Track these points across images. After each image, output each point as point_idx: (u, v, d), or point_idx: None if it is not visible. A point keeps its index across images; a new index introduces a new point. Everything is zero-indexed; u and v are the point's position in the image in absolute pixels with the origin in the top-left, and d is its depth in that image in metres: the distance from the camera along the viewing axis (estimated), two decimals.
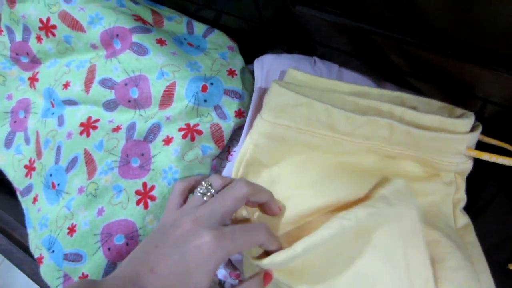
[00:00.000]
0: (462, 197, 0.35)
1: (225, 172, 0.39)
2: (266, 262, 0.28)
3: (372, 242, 0.30)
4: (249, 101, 0.40)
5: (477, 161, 0.34)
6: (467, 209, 0.35)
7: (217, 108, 0.39)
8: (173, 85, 0.38)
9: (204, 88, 0.38)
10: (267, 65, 0.39)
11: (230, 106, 0.39)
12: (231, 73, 0.41)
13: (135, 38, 0.39)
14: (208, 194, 0.29)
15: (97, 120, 0.41)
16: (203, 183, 0.30)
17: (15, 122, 0.47)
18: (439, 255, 0.32)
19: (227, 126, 0.39)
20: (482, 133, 0.35)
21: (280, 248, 0.29)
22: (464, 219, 0.35)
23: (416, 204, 0.31)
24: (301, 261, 0.29)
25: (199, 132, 0.38)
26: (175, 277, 0.24)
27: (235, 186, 0.29)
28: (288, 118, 0.33)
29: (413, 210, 0.31)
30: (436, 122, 0.32)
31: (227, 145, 0.41)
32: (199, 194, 0.29)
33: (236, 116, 0.39)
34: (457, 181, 0.35)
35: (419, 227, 0.31)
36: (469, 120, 0.32)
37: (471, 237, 0.35)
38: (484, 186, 0.39)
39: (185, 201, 0.31)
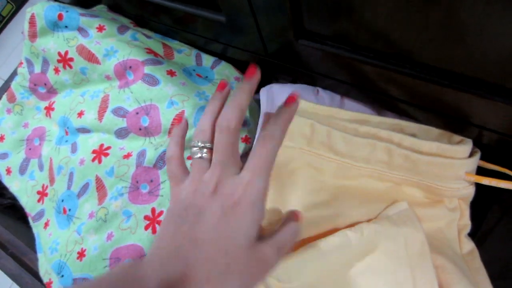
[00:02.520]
0: (466, 223, 0.36)
1: None
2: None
3: (379, 263, 0.31)
4: (255, 128, 0.41)
5: (480, 187, 0.34)
6: (472, 234, 0.36)
7: None
8: (182, 113, 0.40)
9: None
10: (272, 94, 0.40)
11: None
12: None
13: (147, 69, 0.41)
14: (206, 150, 0.27)
15: (108, 147, 0.42)
16: (194, 143, 0.28)
17: (30, 149, 0.49)
18: (445, 281, 0.32)
19: None
20: (483, 159, 0.36)
21: None
22: (469, 245, 0.35)
23: (421, 227, 0.32)
24: (307, 274, 0.30)
25: None
26: (220, 240, 0.24)
27: (225, 115, 0.27)
28: (290, 139, 0.34)
29: (420, 232, 0.32)
30: (434, 148, 0.33)
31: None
32: (197, 156, 0.27)
33: (243, 141, 0.41)
34: (461, 207, 0.36)
35: (427, 250, 0.32)
36: (467, 146, 0.33)
37: (477, 263, 0.35)
38: (488, 211, 0.39)
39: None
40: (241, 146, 0.41)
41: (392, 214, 0.32)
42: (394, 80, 0.33)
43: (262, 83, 0.45)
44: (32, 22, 0.45)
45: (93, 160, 0.42)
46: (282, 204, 0.36)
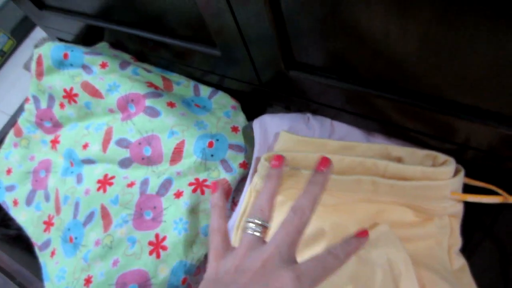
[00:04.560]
0: (457, 239, 0.37)
1: (230, 223, 0.41)
2: None
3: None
4: (251, 153, 0.43)
5: (469, 202, 0.36)
6: (462, 249, 0.37)
7: (223, 162, 0.42)
8: (182, 142, 0.42)
9: (210, 144, 0.42)
10: (264, 125, 0.43)
11: (235, 159, 0.43)
12: (235, 129, 0.45)
13: (148, 102, 0.44)
14: (261, 228, 0.26)
15: (113, 177, 0.44)
16: (251, 219, 0.27)
17: (36, 181, 0.51)
18: None
19: (233, 178, 0.43)
20: (470, 176, 0.37)
21: None
22: (460, 261, 0.37)
23: (403, 247, 0.33)
24: None
25: (208, 186, 0.41)
26: None
27: (297, 212, 0.26)
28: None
29: (403, 252, 0.33)
30: (419, 172, 0.35)
31: (232, 196, 0.44)
32: (250, 232, 0.26)
33: (240, 167, 0.43)
34: (452, 224, 0.37)
35: (411, 270, 0.33)
36: (450, 167, 0.35)
37: (467, 278, 0.36)
38: (476, 226, 0.41)
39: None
40: (239, 172, 0.43)
41: (373, 237, 0.34)
42: (378, 104, 0.36)
43: (258, 109, 0.48)
44: (39, 62, 0.48)
45: (98, 189, 0.44)
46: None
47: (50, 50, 0.47)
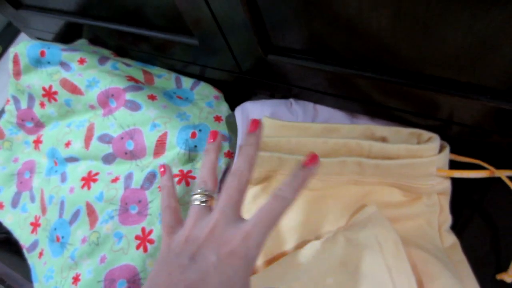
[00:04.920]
0: (447, 217, 0.37)
1: None
2: None
3: (356, 269, 0.31)
4: (235, 143, 0.43)
5: (456, 179, 0.36)
6: (452, 226, 0.37)
7: None
8: (165, 135, 0.41)
9: (193, 135, 0.41)
10: (246, 112, 0.42)
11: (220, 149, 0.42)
12: (218, 119, 0.45)
13: (129, 96, 0.43)
14: (206, 198, 0.28)
15: (97, 174, 0.44)
16: (195, 192, 0.28)
17: (21, 182, 0.51)
18: (428, 275, 0.33)
19: (218, 168, 0.42)
20: (456, 152, 0.37)
21: None
22: (450, 238, 0.36)
23: (392, 227, 0.33)
24: (286, 285, 0.31)
25: (193, 178, 0.41)
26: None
27: (235, 174, 0.27)
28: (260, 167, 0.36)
29: (392, 232, 0.33)
30: (403, 150, 0.34)
31: (218, 186, 0.43)
32: (197, 203, 0.27)
33: (226, 156, 0.42)
34: (441, 202, 0.37)
35: (402, 250, 0.32)
36: (435, 143, 0.34)
37: (459, 255, 0.36)
38: (465, 202, 0.40)
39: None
40: (224, 161, 0.42)
41: (361, 219, 0.33)
42: (358, 84, 0.35)
43: (243, 98, 0.47)
44: (16, 61, 0.47)
45: (83, 187, 0.43)
46: None
47: (26, 48, 0.46)
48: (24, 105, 0.50)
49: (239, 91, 0.51)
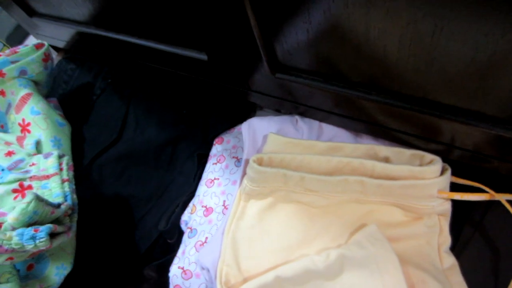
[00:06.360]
0: (446, 238, 0.37)
1: (222, 227, 0.41)
2: None
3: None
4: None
5: (456, 200, 0.36)
6: (451, 247, 0.37)
7: None
8: None
9: None
10: (253, 127, 0.43)
11: None
12: None
13: None
14: None
15: None
16: None
17: None
18: None
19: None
20: (457, 175, 0.38)
21: None
22: (450, 260, 0.37)
23: (391, 248, 0.33)
24: None
25: None
26: None
27: None
28: (265, 183, 0.37)
29: (391, 253, 0.33)
30: (406, 171, 0.35)
31: (223, 199, 0.44)
32: None
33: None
34: (441, 223, 0.37)
35: (400, 271, 0.33)
36: (437, 165, 0.35)
37: (458, 277, 0.36)
38: (464, 224, 0.41)
39: None
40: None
41: (360, 237, 0.34)
42: (363, 105, 0.36)
43: (249, 112, 0.48)
44: None
45: None
46: (267, 235, 0.38)
47: None
48: None
49: (245, 105, 0.52)
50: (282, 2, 0.28)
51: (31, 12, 0.57)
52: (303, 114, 0.44)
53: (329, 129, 0.42)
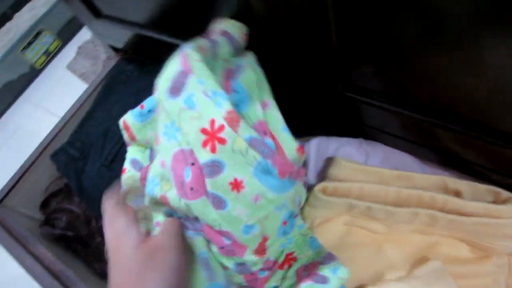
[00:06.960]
0: None
1: None
2: None
3: None
4: None
5: None
6: None
7: None
8: None
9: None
10: (318, 147, 0.42)
11: None
12: None
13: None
14: None
15: None
16: None
17: None
18: None
19: None
20: None
21: None
22: None
23: (455, 285, 0.32)
24: None
25: None
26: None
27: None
28: (329, 209, 0.36)
29: None
30: (481, 208, 0.33)
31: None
32: None
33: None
34: (511, 263, 0.35)
35: None
36: None
37: None
38: None
39: None
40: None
41: (425, 273, 0.33)
42: (437, 133, 0.34)
43: (306, 128, 0.47)
44: (126, 127, 0.43)
45: None
46: None
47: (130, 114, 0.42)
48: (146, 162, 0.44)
49: (305, 121, 0.50)
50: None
51: (98, 14, 0.58)
52: (367, 136, 0.43)
53: (393, 154, 0.41)
